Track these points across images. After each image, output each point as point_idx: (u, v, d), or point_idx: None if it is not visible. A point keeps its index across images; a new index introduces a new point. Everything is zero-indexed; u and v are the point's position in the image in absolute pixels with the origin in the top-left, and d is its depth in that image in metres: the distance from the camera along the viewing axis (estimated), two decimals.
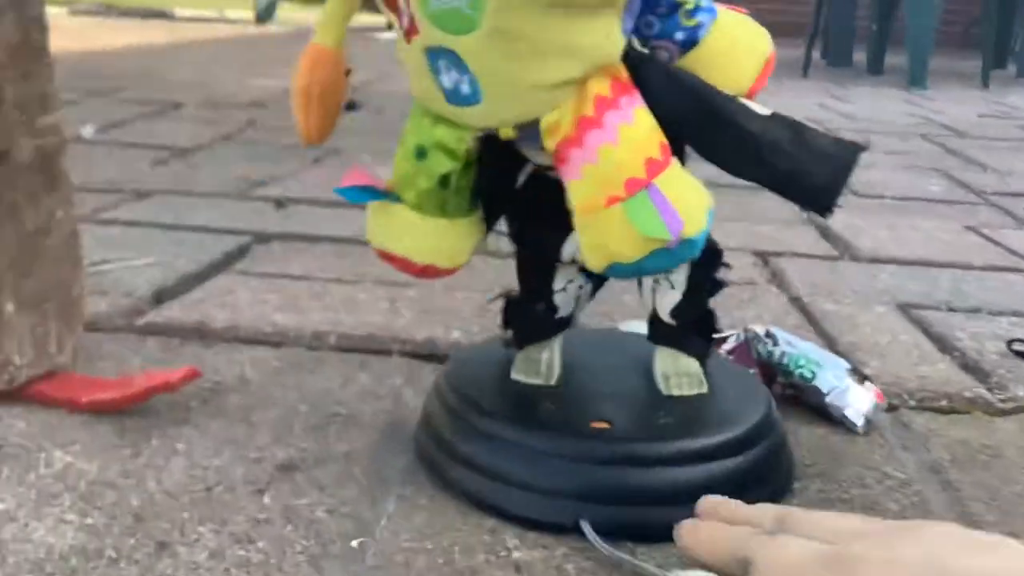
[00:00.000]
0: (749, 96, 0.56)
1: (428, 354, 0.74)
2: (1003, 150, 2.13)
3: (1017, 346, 0.81)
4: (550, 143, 0.49)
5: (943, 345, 0.83)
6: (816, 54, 4.59)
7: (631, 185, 0.48)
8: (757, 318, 0.87)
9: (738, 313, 0.88)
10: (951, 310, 0.96)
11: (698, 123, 0.50)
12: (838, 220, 1.33)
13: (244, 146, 1.68)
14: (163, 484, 0.53)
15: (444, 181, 0.53)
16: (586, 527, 0.50)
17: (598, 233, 0.49)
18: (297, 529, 0.50)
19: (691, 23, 0.54)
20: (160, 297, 0.84)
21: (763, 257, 1.13)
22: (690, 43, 0.54)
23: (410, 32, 0.50)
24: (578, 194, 0.49)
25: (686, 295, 0.57)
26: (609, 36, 0.47)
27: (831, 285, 1.02)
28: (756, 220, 1.29)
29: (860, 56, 4.36)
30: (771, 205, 1.39)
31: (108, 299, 0.81)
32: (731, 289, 0.93)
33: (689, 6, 0.53)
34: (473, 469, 0.53)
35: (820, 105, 2.86)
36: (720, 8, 0.55)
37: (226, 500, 0.52)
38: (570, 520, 0.50)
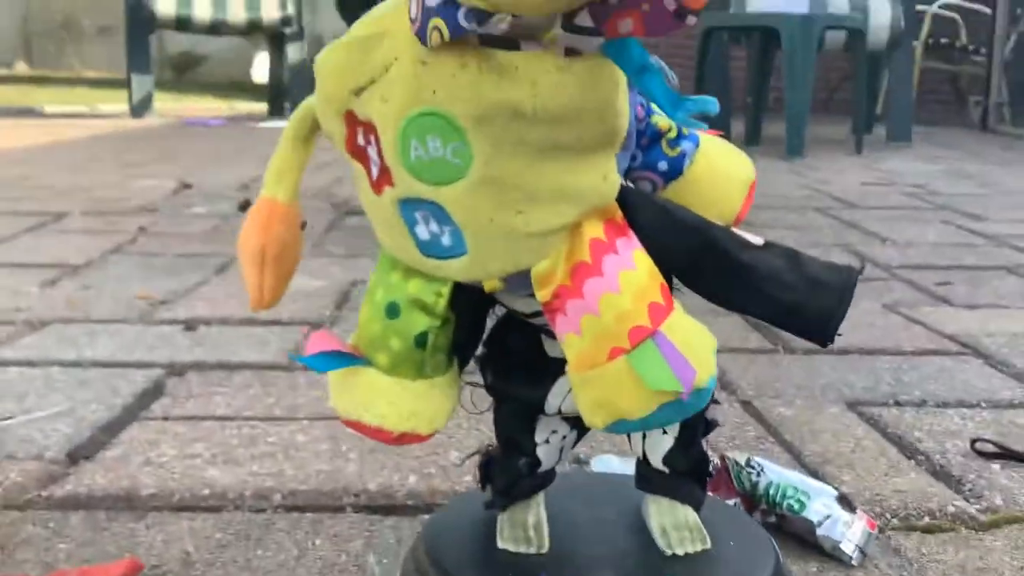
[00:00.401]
0: (735, 224, 0.53)
1: (386, 506, 0.68)
2: (895, 219, 2.19)
3: (980, 446, 0.80)
4: (544, 294, 0.45)
5: (906, 449, 0.82)
6: None
7: (635, 335, 0.44)
8: (718, 432, 0.84)
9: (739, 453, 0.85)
10: (898, 404, 0.95)
11: (694, 258, 0.47)
12: None
13: (139, 258, 1.59)
14: None
15: (420, 341, 0.48)
16: None
17: (601, 390, 0.45)
18: None
19: (674, 152, 0.51)
20: (74, 456, 0.76)
21: None
22: (674, 173, 0.52)
23: (380, 183, 0.45)
24: (576, 349, 0.45)
25: (679, 440, 0.54)
26: (607, 177, 0.44)
27: (776, 383, 1.00)
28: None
29: (737, 127, 4.50)
30: (687, 302, 1.38)
31: (18, 465, 0.73)
32: None
33: (672, 135, 0.51)
34: None
35: None
36: (701, 135, 0.53)
37: None
38: None
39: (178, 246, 1.69)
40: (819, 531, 0.62)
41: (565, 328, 0.45)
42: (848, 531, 0.61)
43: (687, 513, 0.54)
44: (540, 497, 0.55)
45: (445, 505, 0.59)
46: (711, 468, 0.67)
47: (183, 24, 5.09)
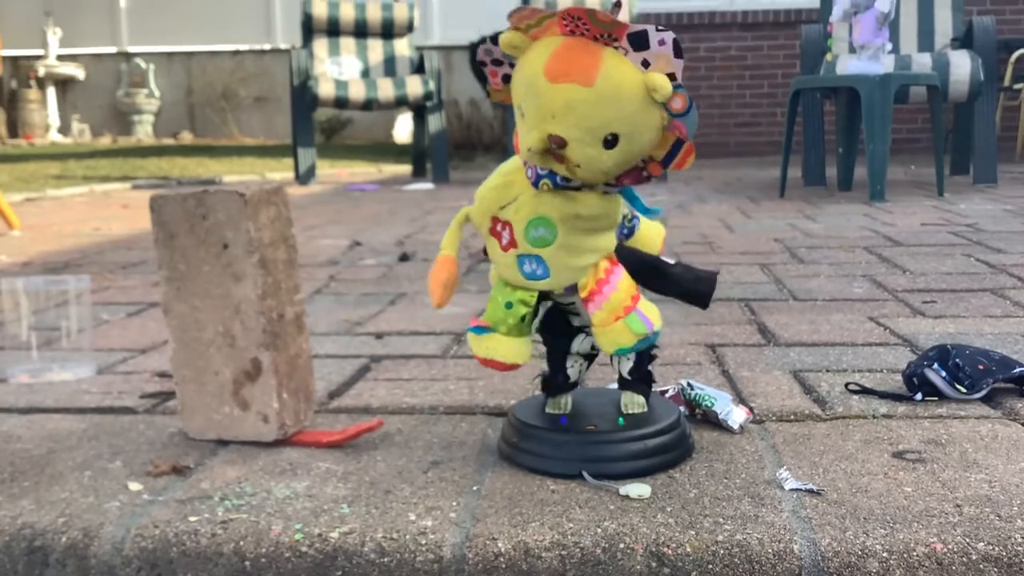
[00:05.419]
0: (660, 254, 1.11)
1: (497, 413, 1.28)
2: (926, 255, 2.64)
3: (851, 386, 1.34)
4: (583, 293, 1.02)
5: (806, 389, 1.36)
6: (798, 172, 5.19)
7: (626, 310, 1.02)
8: (695, 374, 1.40)
9: (686, 380, 1.41)
10: (826, 371, 1.48)
11: (643, 271, 1.05)
12: (773, 319, 1.86)
13: (333, 296, 2.24)
14: None
15: (521, 319, 1.05)
16: (586, 475, 1.02)
17: (613, 335, 1.02)
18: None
19: (629, 225, 1.10)
20: (332, 395, 1.39)
21: (713, 348, 1.65)
22: (630, 233, 1.10)
23: (507, 247, 1.01)
24: (599, 318, 1.02)
25: (635, 363, 1.11)
26: (610, 242, 1.03)
27: (752, 361, 1.55)
28: (712, 323, 1.83)
29: (834, 173, 4.93)
30: (724, 313, 1.93)
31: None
32: (683, 366, 1.49)
33: (628, 219, 1.09)
34: (526, 453, 1.06)
35: (790, 224, 3.41)
36: (641, 218, 1.11)
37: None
38: (577, 471, 1.03)
39: (359, 288, 2.35)
40: (721, 416, 1.18)
41: (593, 309, 1.03)
42: (734, 416, 1.17)
43: (639, 397, 1.12)
44: (568, 394, 1.13)
45: (523, 399, 1.19)
46: (673, 390, 1.24)
47: (341, 103, 5.86)
